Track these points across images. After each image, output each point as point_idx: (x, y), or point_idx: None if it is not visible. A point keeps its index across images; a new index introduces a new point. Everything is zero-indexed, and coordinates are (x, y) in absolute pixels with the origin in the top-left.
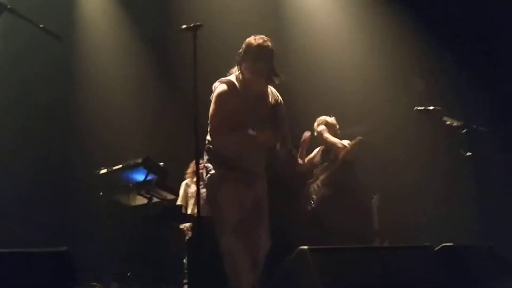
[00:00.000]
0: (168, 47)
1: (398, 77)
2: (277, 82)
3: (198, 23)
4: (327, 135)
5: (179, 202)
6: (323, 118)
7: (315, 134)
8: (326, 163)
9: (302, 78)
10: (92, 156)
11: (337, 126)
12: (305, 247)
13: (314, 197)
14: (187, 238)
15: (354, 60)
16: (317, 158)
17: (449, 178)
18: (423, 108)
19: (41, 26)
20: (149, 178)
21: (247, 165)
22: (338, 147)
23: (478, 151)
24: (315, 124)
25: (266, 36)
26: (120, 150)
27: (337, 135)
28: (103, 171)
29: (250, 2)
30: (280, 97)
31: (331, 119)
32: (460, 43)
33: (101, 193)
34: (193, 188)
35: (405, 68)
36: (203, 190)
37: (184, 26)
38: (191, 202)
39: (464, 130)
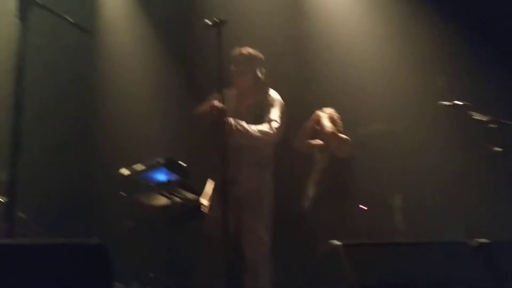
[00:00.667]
0: (191, 45)
1: (420, 73)
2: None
3: (223, 19)
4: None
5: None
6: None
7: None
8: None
9: (322, 75)
10: (114, 157)
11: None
12: (338, 242)
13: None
14: None
15: (376, 56)
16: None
17: (476, 175)
18: (448, 102)
19: (72, 20)
20: (171, 178)
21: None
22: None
23: (509, 146)
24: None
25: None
26: (142, 151)
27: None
28: (126, 172)
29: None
30: (274, 101)
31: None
32: (487, 37)
33: (123, 194)
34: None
35: (428, 63)
36: None
37: (207, 21)
38: None
39: (493, 125)
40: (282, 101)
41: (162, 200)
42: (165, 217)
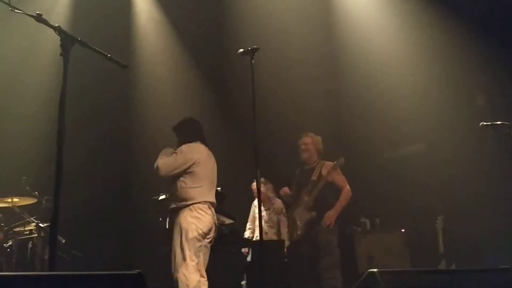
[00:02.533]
0: (225, 70)
1: (458, 92)
2: None
3: (255, 46)
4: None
5: (248, 224)
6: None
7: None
8: (310, 186)
9: (356, 96)
10: (151, 182)
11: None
12: (375, 269)
13: (299, 223)
14: (246, 261)
15: (412, 75)
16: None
17: None
18: (489, 123)
19: (109, 55)
20: None
21: None
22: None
23: None
24: (308, 140)
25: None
26: None
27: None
28: (162, 197)
29: (303, 25)
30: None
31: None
32: None
33: (160, 219)
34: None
35: (466, 82)
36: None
37: (241, 50)
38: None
39: None
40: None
41: None
42: None
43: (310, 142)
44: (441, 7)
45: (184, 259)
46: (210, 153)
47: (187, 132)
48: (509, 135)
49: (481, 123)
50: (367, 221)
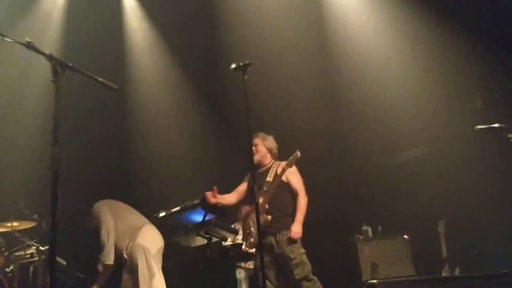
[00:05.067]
0: (218, 84)
1: (456, 94)
2: None
3: (248, 62)
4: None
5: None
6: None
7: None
8: (265, 188)
9: (354, 107)
10: (150, 203)
11: None
12: (375, 281)
13: (253, 229)
14: (249, 275)
15: (408, 80)
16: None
17: None
18: (485, 126)
19: (100, 79)
20: (207, 218)
21: None
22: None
23: None
24: (257, 141)
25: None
26: (177, 192)
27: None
28: (162, 214)
29: (297, 38)
30: None
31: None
32: None
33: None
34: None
35: (464, 84)
36: None
37: (234, 65)
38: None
39: None
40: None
41: (200, 241)
42: (203, 257)
43: (260, 143)
44: (435, 7)
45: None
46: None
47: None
48: (506, 137)
49: (477, 127)
50: (369, 228)
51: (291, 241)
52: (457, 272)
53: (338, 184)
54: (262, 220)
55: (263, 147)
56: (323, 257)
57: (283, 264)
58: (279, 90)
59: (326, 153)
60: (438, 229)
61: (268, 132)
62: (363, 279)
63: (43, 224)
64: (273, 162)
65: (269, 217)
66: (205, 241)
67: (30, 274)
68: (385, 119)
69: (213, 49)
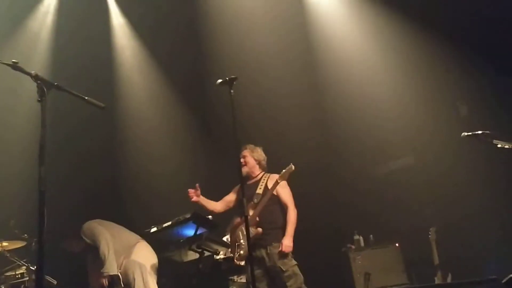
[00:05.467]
0: (206, 99)
1: (441, 105)
2: None
3: (233, 76)
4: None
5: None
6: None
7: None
8: (255, 200)
9: (341, 113)
10: (141, 216)
11: None
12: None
13: (243, 241)
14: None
15: (395, 91)
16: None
17: (507, 203)
18: (471, 133)
19: (86, 98)
20: (199, 232)
21: None
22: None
23: None
24: (246, 153)
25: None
26: (168, 208)
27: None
28: (154, 229)
29: (283, 51)
30: None
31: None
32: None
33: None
34: None
35: (448, 94)
36: None
37: (220, 81)
38: None
39: None
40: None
41: (192, 255)
42: (196, 271)
43: (248, 154)
44: (419, 17)
45: None
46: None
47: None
48: (491, 143)
49: (463, 134)
50: (361, 238)
51: (283, 254)
52: (449, 279)
53: (328, 195)
54: (253, 233)
55: (252, 159)
56: (316, 268)
57: (275, 277)
58: (267, 103)
59: (315, 165)
60: (429, 236)
61: (256, 144)
62: None
63: (33, 243)
64: (263, 174)
65: (260, 229)
66: (197, 256)
67: None
68: (372, 130)
69: (200, 64)
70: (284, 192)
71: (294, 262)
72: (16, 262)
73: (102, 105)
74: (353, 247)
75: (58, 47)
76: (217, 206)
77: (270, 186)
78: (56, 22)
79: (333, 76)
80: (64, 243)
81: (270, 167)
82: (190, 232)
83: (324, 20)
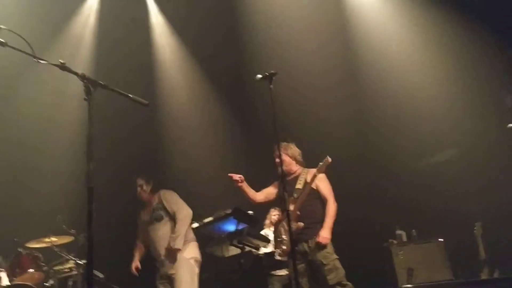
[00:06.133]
0: (245, 94)
1: (486, 95)
2: None
3: (273, 71)
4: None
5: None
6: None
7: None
8: (295, 195)
9: (380, 106)
10: None
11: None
12: (409, 285)
13: (285, 236)
14: (283, 283)
15: (438, 82)
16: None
17: None
18: None
19: (131, 96)
20: (240, 227)
21: None
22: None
23: None
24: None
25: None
26: (208, 204)
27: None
28: (195, 225)
29: (322, 46)
30: None
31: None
32: None
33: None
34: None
35: (492, 85)
36: None
37: (259, 76)
38: None
39: None
40: None
41: (233, 250)
42: (237, 267)
43: (283, 153)
44: (462, 6)
45: None
46: None
47: None
48: None
49: (509, 125)
50: (403, 233)
51: (321, 246)
52: (496, 274)
53: (370, 189)
54: (294, 227)
55: (287, 157)
56: (358, 263)
57: (316, 270)
58: (306, 98)
59: (356, 159)
60: (475, 231)
61: (290, 140)
62: (399, 284)
63: (81, 238)
64: (302, 169)
65: (301, 224)
66: (239, 251)
67: None
68: (414, 121)
69: (240, 61)
70: (324, 185)
71: (335, 256)
72: (64, 257)
73: (146, 102)
74: (395, 242)
75: (100, 47)
76: (257, 195)
77: (309, 180)
78: (98, 23)
79: (373, 69)
80: (140, 180)
81: (311, 162)
82: (231, 227)
83: (363, 12)
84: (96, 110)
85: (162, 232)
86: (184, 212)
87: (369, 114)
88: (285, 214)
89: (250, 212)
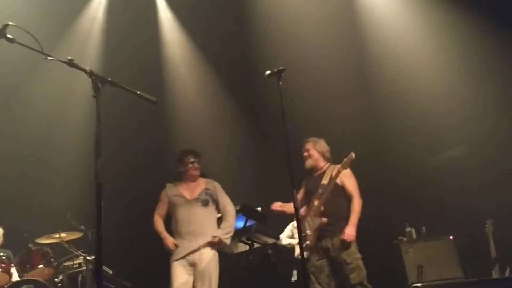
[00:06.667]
0: (254, 90)
1: (497, 91)
2: None
3: (282, 68)
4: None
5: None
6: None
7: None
8: (320, 190)
9: (392, 102)
10: None
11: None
12: (419, 284)
13: (309, 231)
14: (293, 280)
15: (447, 78)
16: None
17: None
18: None
19: (138, 92)
20: (248, 224)
21: None
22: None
23: None
24: (309, 146)
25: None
26: None
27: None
28: None
29: (332, 41)
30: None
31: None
32: None
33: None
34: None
35: (506, 84)
36: None
37: (268, 72)
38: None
39: None
40: None
41: (242, 247)
42: (246, 263)
43: (311, 147)
44: (477, 4)
45: None
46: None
47: None
48: None
49: None
50: (413, 230)
51: (345, 244)
52: (507, 273)
53: (379, 186)
54: (318, 223)
55: (315, 152)
56: (368, 260)
57: (338, 268)
58: (317, 94)
59: (366, 155)
60: (486, 228)
61: (319, 136)
62: (409, 282)
63: (90, 234)
64: (329, 165)
65: (325, 219)
66: (247, 247)
67: (79, 283)
68: (426, 118)
69: (248, 57)
70: (349, 181)
71: (359, 255)
72: (73, 253)
73: (154, 99)
74: (405, 239)
75: (108, 43)
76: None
77: (334, 175)
78: (106, 19)
79: (384, 65)
80: (193, 158)
81: None
82: (239, 224)
83: (374, 7)
84: (104, 107)
85: (201, 216)
86: (233, 210)
87: (380, 111)
88: (307, 210)
89: (259, 208)
